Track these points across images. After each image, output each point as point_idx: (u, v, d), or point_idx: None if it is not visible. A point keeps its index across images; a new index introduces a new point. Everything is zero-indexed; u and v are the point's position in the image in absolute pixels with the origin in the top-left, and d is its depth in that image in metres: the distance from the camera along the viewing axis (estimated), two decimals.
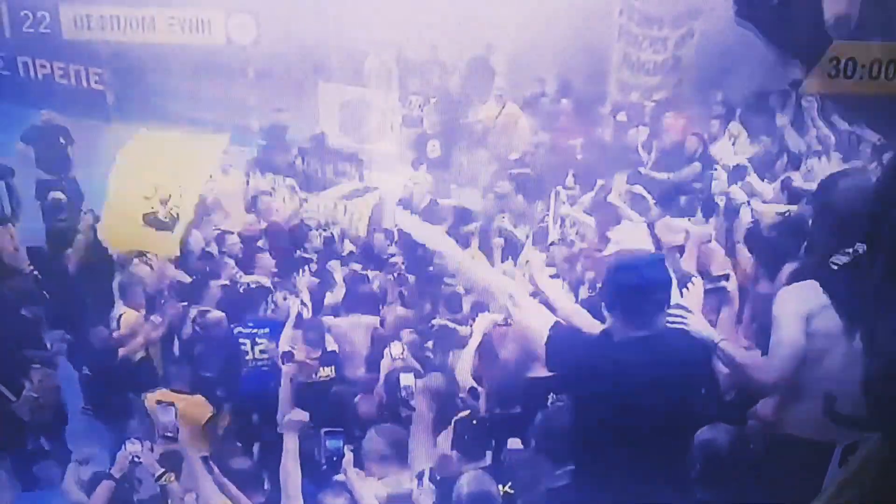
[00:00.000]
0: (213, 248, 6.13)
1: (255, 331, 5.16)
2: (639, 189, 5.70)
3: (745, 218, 4.73)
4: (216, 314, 5.37)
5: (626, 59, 7.36)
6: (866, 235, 2.67)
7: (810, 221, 3.61)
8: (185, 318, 5.41)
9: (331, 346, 5.01)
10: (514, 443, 3.49)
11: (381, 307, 5.61)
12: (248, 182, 7.05)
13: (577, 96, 7.68)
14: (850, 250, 2.96)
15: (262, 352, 5.08)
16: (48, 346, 5.57)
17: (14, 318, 5.47)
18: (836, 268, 2.95)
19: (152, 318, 5.29)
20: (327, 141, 7.72)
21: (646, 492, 2.64)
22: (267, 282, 5.78)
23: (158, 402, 3.85)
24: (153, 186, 5.84)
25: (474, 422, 3.56)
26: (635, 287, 2.67)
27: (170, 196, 5.88)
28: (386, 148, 7.64)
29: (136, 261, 5.69)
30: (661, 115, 7.22)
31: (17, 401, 4.88)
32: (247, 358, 5.08)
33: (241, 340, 5.14)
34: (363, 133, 7.72)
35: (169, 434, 3.46)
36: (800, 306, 2.97)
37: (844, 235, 2.97)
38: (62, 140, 7.18)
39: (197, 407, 4.54)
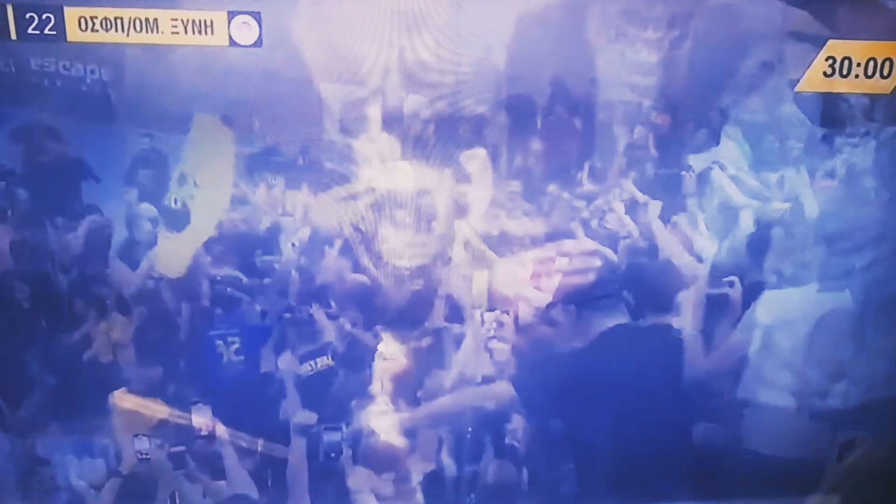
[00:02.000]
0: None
1: (225, 332, 5.20)
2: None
3: (747, 222, 4.81)
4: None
5: (623, 60, 7.45)
6: None
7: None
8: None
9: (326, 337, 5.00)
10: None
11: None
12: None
13: (573, 96, 7.74)
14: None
15: (236, 352, 5.17)
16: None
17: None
18: None
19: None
20: (328, 140, 7.77)
21: (642, 489, 2.71)
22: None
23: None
24: None
25: (469, 428, 3.61)
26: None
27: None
28: (386, 147, 7.69)
29: None
30: (657, 116, 7.33)
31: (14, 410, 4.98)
32: (223, 361, 5.16)
33: (216, 342, 5.18)
34: (364, 133, 7.79)
35: (206, 431, 3.48)
36: (767, 315, 3.19)
37: None
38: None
39: (151, 407, 4.66)
